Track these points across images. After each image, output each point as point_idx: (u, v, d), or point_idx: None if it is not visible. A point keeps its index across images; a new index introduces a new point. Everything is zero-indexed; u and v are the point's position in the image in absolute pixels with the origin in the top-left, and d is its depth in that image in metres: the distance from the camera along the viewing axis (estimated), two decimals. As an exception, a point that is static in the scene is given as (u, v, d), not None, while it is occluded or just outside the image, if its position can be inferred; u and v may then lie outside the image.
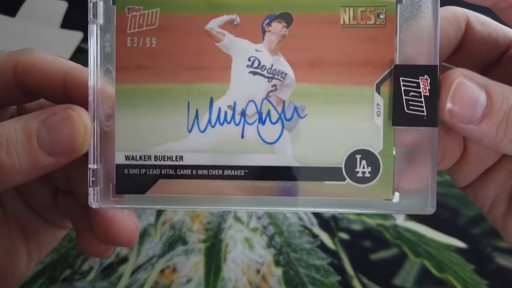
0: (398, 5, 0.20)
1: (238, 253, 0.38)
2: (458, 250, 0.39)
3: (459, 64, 0.23)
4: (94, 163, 0.21)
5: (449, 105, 0.19)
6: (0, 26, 0.48)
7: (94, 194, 0.21)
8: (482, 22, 0.22)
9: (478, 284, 0.37)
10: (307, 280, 0.37)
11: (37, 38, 0.47)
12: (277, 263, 0.37)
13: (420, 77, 0.20)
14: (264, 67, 0.21)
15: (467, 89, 0.19)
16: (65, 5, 0.49)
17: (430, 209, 0.21)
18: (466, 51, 0.23)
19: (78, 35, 0.48)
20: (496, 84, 0.19)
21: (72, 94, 0.22)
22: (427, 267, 0.38)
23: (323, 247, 0.38)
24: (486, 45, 0.22)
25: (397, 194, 0.21)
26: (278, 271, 0.37)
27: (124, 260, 0.38)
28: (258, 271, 0.37)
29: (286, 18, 0.21)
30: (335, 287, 0.36)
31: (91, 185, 0.21)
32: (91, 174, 0.21)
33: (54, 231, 0.26)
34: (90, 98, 0.21)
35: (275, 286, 0.36)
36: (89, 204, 0.21)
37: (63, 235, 0.27)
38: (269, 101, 0.21)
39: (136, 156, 0.21)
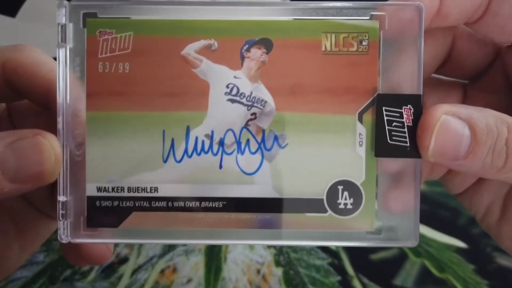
0: (381, 31, 0.20)
1: (238, 253, 0.38)
2: (459, 250, 0.39)
3: (448, 73, 0.23)
4: (63, 195, 0.20)
5: (432, 146, 0.18)
6: (0, 27, 0.47)
7: (64, 228, 0.20)
8: (469, 32, 0.22)
9: (478, 284, 0.37)
10: (307, 280, 0.36)
11: (38, 39, 0.47)
12: (277, 263, 0.37)
13: (403, 107, 0.19)
14: (243, 94, 0.20)
15: (450, 128, 0.18)
16: None
17: (413, 241, 0.20)
18: (455, 61, 0.22)
19: (79, 35, 0.48)
20: (480, 115, 0.19)
21: (54, 105, 0.20)
22: (427, 267, 0.38)
23: (323, 247, 0.38)
24: (475, 54, 0.22)
25: (379, 226, 0.20)
26: (279, 271, 0.37)
27: (124, 260, 0.37)
28: (258, 271, 0.37)
29: (266, 44, 0.20)
30: (335, 287, 0.36)
31: (60, 218, 0.20)
32: (60, 207, 0.20)
33: (48, 222, 0.25)
34: (59, 126, 0.20)
35: (275, 286, 0.36)
36: (59, 238, 0.20)
37: (57, 227, 0.26)
38: (248, 130, 0.20)
39: (108, 187, 0.20)
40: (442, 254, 0.38)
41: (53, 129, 0.20)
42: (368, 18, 0.20)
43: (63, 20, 0.20)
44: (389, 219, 0.20)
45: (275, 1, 0.20)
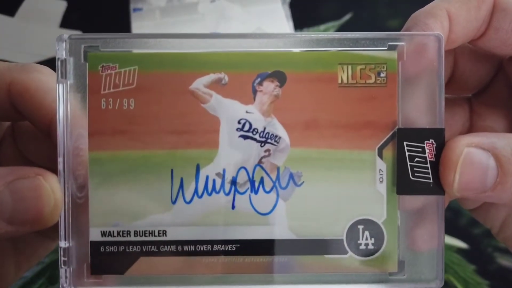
0: (400, 62, 0.19)
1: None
2: (459, 250, 0.39)
3: (452, 92, 0.23)
4: (65, 241, 0.19)
5: (457, 182, 0.18)
6: (-1, 26, 0.47)
7: (66, 276, 0.19)
8: (470, 48, 0.21)
9: (479, 285, 0.37)
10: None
11: (36, 38, 0.46)
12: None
13: (425, 141, 0.18)
14: (256, 130, 0.19)
15: (474, 162, 0.18)
16: (64, 5, 0.49)
17: (437, 283, 0.19)
18: (458, 80, 0.22)
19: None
20: (504, 143, 0.18)
21: (55, 137, 0.19)
22: (428, 267, 0.38)
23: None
24: (477, 70, 0.21)
25: (402, 266, 0.19)
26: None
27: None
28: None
29: (279, 77, 0.19)
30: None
31: (62, 265, 0.19)
32: (62, 254, 0.19)
33: (46, 242, 0.24)
34: (60, 167, 0.19)
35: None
36: (61, 287, 0.19)
37: (55, 246, 0.24)
38: (262, 167, 0.19)
39: (113, 231, 0.19)
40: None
41: (54, 156, 0.19)
42: (385, 48, 0.19)
43: (63, 54, 0.19)
44: (412, 259, 0.19)
45: (287, 33, 0.19)
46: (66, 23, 0.48)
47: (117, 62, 0.19)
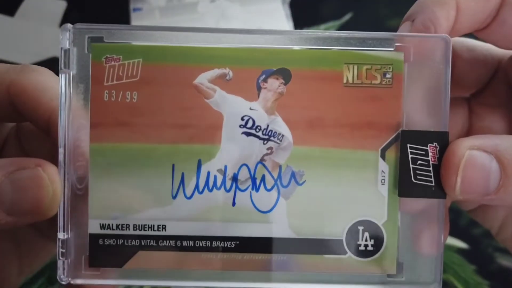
0: (406, 64, 0.19)
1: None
2: (460, 250, 0.39)
3: (451, 91, 0.22)
4: (64, 232, 0.19)
5: (459, 185, 0.17)
6: (-2, 26, 0.47)
7: (64, 268, 0.19)
8: (468, 48, 0.21)
9: (479, 285, 0.37)
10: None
11: (36, 38, 0.46)
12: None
13: (428, 145, 0.18)
14: (259, 127, 0.19)
15: (477, 165, 0.17)
16: (64, 5, 0.49)
17: (436, 285, 0.19)
18: (457, 79, 0.22)
19: (77, 35, 0.47)
20: (507, 145, 0.18)
21: (55, 133, 0.19)
22: (428, 267, 0.38)
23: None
24: (475, 70, 0.21)
25: (400, 268, 0.19)
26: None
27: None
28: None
29: (284, 74, 0.19)
30: (335, 286, 0.36)
31: (60, 257, 0.19)
32: (60, 245, 0.19)
33: (49, 245, 0.24)
34: (61, 158, 0.19)
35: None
36: (58, 279, 0.19)
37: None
38: (263, 165, 0.19)
39: (112, 224, 0.19)
40: (443, 254, 0.38)
41: (56, 155, 0.19)
42: (392, 49, 0.19)
43: (66, 44, 0.19)
44: (411, 261, 0.19)
45: (293, 30, 0.19)
46: (66, 23, 0.48)
47: (121, 54, 0.19)
